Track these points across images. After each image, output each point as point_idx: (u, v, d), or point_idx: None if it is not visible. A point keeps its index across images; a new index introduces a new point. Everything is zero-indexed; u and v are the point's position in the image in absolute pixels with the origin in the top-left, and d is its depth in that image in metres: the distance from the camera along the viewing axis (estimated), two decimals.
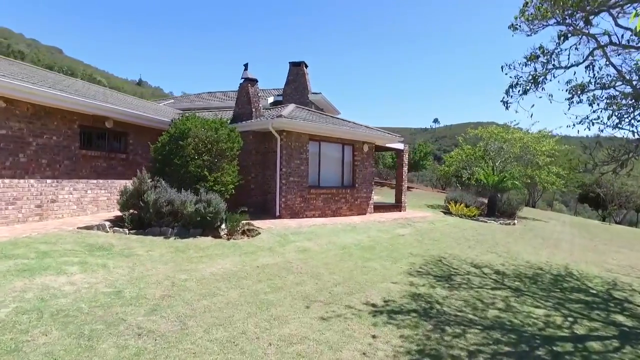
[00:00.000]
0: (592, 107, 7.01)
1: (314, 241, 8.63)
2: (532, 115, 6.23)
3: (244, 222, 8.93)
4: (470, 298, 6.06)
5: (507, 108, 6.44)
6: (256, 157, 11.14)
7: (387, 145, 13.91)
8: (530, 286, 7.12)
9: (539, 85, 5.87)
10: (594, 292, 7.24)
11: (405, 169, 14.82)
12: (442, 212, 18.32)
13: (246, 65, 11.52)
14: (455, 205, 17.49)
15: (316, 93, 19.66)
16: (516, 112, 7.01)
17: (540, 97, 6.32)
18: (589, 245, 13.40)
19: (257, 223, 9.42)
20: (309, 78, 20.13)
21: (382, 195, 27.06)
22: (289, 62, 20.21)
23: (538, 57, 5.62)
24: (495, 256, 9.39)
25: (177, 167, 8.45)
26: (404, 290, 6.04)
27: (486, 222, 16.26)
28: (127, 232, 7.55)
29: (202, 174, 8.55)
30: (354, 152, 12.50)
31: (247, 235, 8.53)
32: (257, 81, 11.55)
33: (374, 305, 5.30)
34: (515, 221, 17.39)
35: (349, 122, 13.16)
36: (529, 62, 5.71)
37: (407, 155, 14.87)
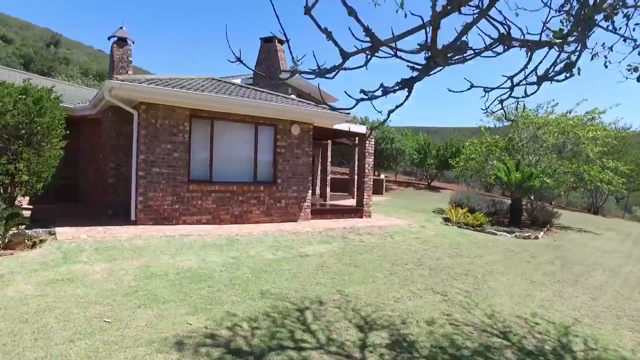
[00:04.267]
0: None
1: (116, 263, 5.46)
2: None
3: (41, 230, 6.08)
4: None
5: None
6: (117, 141, 8.24)
7: (338, 127, 10.20)
8: None
9: None
10: None
11: (370, 160, 10.90)
12: (443, 218, 14.01)
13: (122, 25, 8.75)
14: (454, 211, 13.13)
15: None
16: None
17: None
18: None
19: (75, 230, 6.47)
20: (283, 56, 16.94)
21: (403, 198, 22.74)
22: (260, 38, 17.23)
23: None
24: (437, 301, 5.44)
25: None
26: None
27: (495, 234, 11.78)
28: None
29: None
30: (276, 136, 9.08)
31: (32, 248, 5.67)
32: (129, 42, 8.69)
33: None
34: (542, 233, 12.53)
35: (273, 93, 9.78)
36: None
37: (371, 143, 10.97)
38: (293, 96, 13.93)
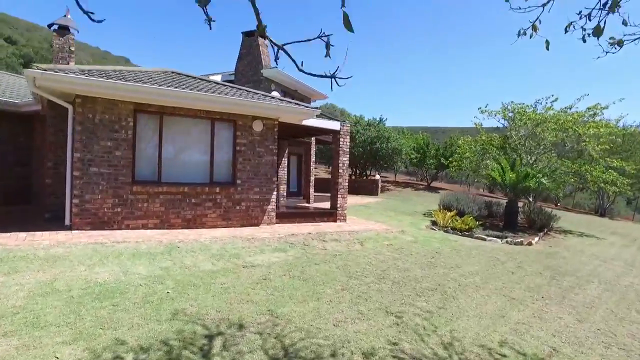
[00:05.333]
0: None
1: (15, 276, 4.71)
2: None
3: None
4: None
5: None
6: (56, 138, 7.54)
7: (308, 123, 9.39)
8: None
9: None
10: None
11: (345, 159, 10.07)
12: (431, 222, 13.11)
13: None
14: (442, 214, 12.23)
15: (271, 67, 15.63)
16: None
17: None
18: None
19: None
20: (265, 50, 16.19)
21: (397, 199, 21.84)
22: (242, 32, 16.50)
23: None
24: (387, 324, 4.60)
25: None
26: None
27: (484, 239, 10.87)
28: None
29: None
30: (235, 133, 8.31)
31: None
32: (71, 30, 8.00)
33: None
34: (537, 238, 11.57)
35: (234, 87, 9.01)
36: None
37: (346, 140, 10.13)
38: (275, 93, 13.17)
